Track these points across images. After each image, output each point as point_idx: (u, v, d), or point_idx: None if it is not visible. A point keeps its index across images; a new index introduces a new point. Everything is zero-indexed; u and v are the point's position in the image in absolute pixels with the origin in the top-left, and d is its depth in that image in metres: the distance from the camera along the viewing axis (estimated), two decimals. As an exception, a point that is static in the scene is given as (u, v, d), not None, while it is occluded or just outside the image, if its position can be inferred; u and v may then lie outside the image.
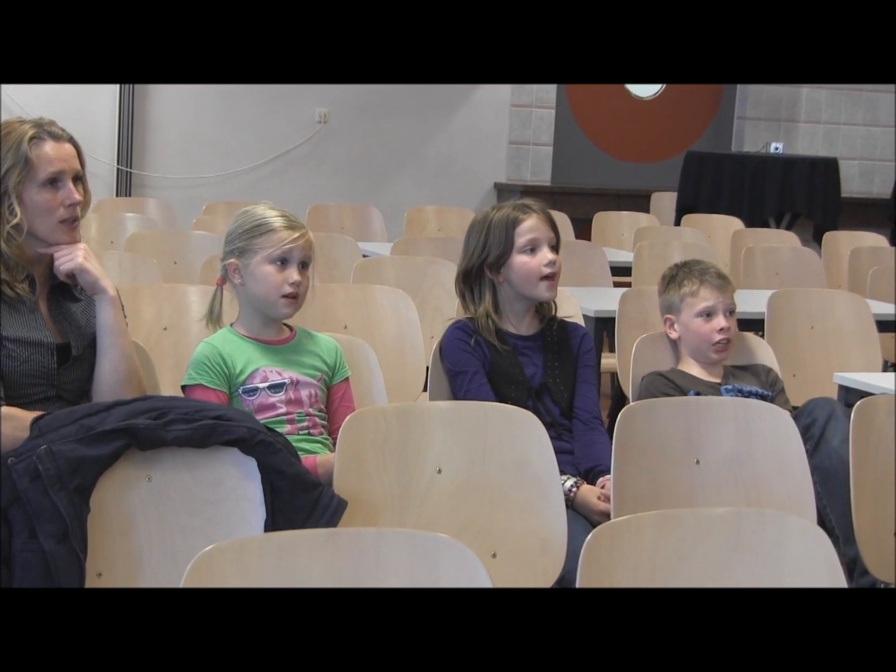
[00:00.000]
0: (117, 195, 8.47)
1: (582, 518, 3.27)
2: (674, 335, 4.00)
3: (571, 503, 3.30)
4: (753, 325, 4.74)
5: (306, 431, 3.17)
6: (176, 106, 8.70)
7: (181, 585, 2.05)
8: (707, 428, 3.22)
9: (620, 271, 6.17)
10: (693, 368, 3.93)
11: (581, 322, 4.01)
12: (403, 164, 9.27)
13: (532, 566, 2.95)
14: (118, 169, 8.59)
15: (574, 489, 3.34)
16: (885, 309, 5.27)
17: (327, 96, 8.96)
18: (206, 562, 2.09)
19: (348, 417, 2.93)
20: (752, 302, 4.85)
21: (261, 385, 3.16)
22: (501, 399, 3.44)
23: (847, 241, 7.14)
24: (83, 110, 8.29)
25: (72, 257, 2.98)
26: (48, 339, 2.96)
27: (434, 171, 9.34)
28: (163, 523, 2.64)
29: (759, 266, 6.26)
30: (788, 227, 8.42)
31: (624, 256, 6.55)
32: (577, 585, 2.22)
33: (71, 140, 3.01)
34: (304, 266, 3.20)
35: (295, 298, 3.19)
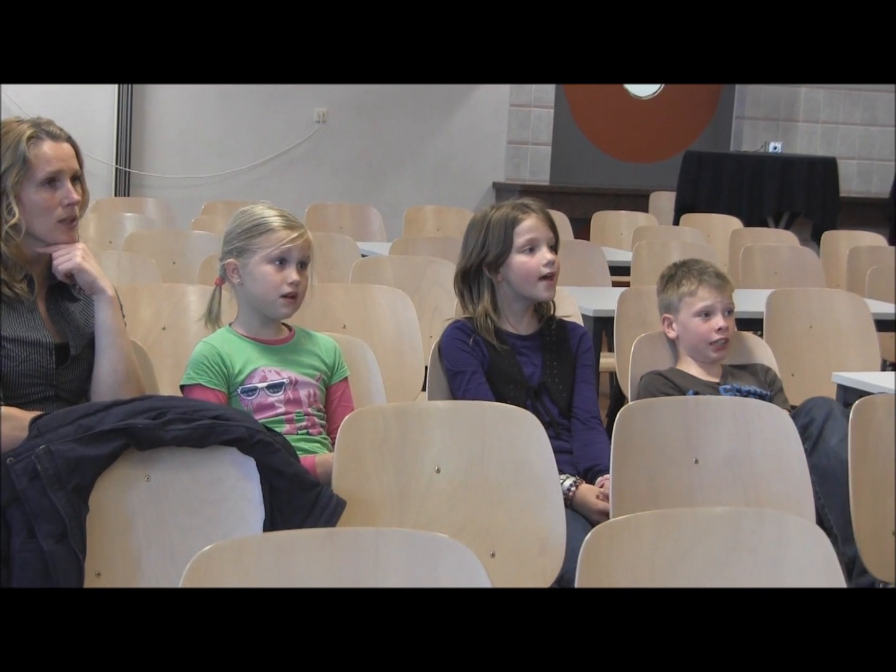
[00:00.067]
0: (116, 195, 8.48)
1: (581, 517, 3.27)
2: (672, 335, 4.00)
3: (570, 503, 3.30)
4: (752, 324, 4.74)
5: (305, 431, 3.17)
6: (174, 106, 8.70)
7: (180, 585, 2.05)
8: (706, 427, 3.22)
9: (619, 271, 6.17)
10: (692, 368, 3.93)
11: (580, 322, 4.01)
12: (402, 164, 9.27)
13: (531, 565, 2.95)
14: (117, 169, 8.59)
15: (573, 488, 3.34)
16: (883, 308, 5.27)
17: (326, 96, 8.97)
18: (204, 561, 2.09)
19: (347, 417, 2.93)
20: (750, 301, 4.85)
21: (259, 385, 3.16)
22: (500, 399, 3.45)
23: (846, 241, 7.14)
24: (82, 110, 8.29)
25: (70, 257, 2.98)
26: (47, 338, 2.96)
27: (433, 170, 9.34)
28: (161, 523, 2.64)
29: (758, 265, 6.26)
30: (787, 227, 8.42)
31: (623, 256, 6.55)
32: (576, 585, 2.22)
33: (69, 139, 3.01)
34: (302, 266, 3.20)
35: (294, 298, 3.19)
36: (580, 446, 3.50)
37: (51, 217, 2.97)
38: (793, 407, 3.88)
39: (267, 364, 3.19)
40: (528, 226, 3.58)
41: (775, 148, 9.25)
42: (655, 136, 10.10)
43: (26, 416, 2.72)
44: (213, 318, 3.27)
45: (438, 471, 2.94)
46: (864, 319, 4.83)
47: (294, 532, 2.24)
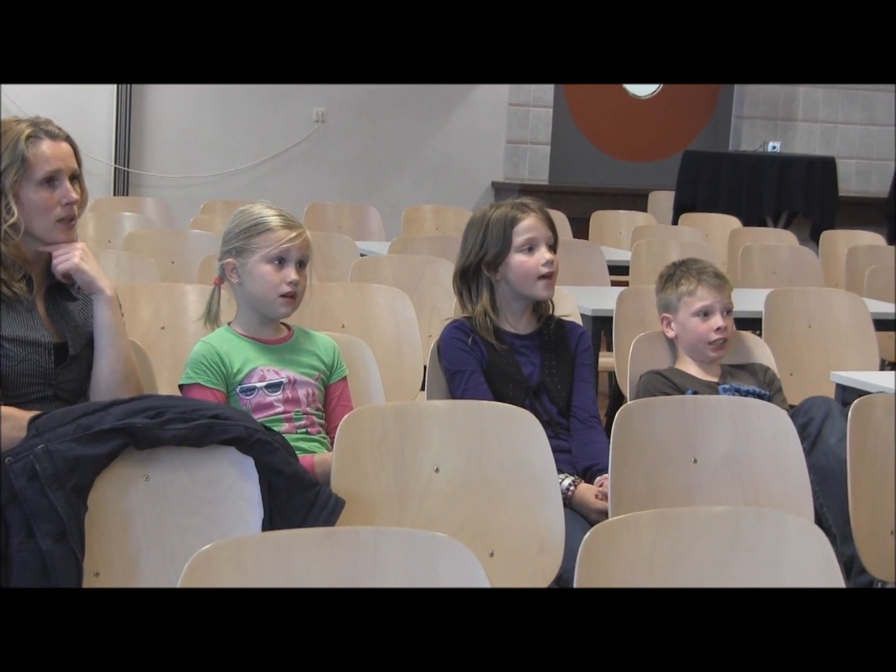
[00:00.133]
0: (115, 194, 8.47)
1: (580, 517, 3.27)
2: (671, 334, 4.00)
3: (569, 502, 3.30)
4: (751, 323, 4.74)
5: (304, 430, 3.17)
6: (173, 105, 8.70)
7: (179, 584, 2.05)
8: (704, 427, 3.22)
9: (618, 270, 6.17)
10: (690, 367, 3.93)
11: (578, 321, 4.01)
12: (401, 164, 9.27)
13: (530, 565, 2.95)
14: (115, 168, 8.59)
15: (572, 488, 3.34)
16: (882, 308, 5.27)
17: (325, 96, 8.96)
18: (203, 561, 2.09)
19: (346, 416, 2.93)
20: (749, 301, 4.85)
21: (258, 384, 3.16)
22: (499, 398, 3.45)
23: (844, 240, 7.14)
24: (81, 109, 8.28)
25: (68, 257, 2.98)
26: (45, 338, 2.96)
27: (432, 170, 9.34)
28: (160, 522, 2.64)
29: (757, 265, 6.27)
30: (786, 226, 8.42)
31: (621, 255, 6.55)
32: (575, 584, 2.22)
33: (67, 139, 3.01)
34: (301, 265, 3.20)
35: (293, 298, 3.19)
36: (579, 446, 3.50)
37: (49, 216, 2.97)
38: (791, 406, 3.88)
39: (266, 363, 3.19)
40: (527, 225, 3.58)
41: (774, 147, 9.25)
42: (654, 136, 10.10)
43: (25, 415, 2.72)
44: (212, 317, 3.27)
45: (437, 470, 2.94)
46: (863, 319, 4.83)
47: (293, 531, 2.24)
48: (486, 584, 2.14)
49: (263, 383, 3.16)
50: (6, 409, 2.77)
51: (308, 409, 3.19)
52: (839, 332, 4.82)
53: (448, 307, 4.34)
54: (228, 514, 2.67)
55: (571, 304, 4.28)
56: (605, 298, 4.89)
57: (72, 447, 2.58)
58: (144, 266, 4.79)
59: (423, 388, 3.84)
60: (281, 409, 3.16)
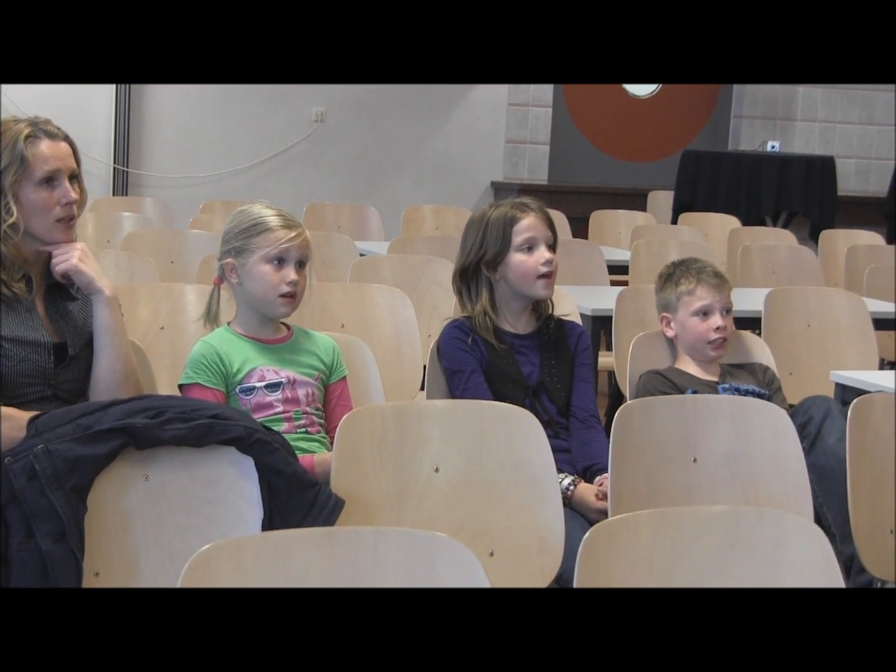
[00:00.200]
0: (114, 194, 8.48)
1: (579, 516, 3.27)
2: (670, 334, 4.00)
3: (569, 501, 3.30)
4: (750, 323, 4.74)
5: (304, 430, 3.16)
6: (172, 105, 8.70)
7: (178, 584, 2.05)
8: (704, 426, 3.22)
9: (617, 270, 6.17)
10: (690, 367, 3.93)
11: (578, 321, 4.01)
12: (400, 164, 9.27)
13: (529, 564, 2.95)
14: (115, 168, 8.59)
15: (571, 487, 3.34)
16: (881, 307, 5.27)
17: (324, 95, 8.96)
18: (203, 561, 2.09)
19: (345, 416, 2.93)
20: (748, 300, 4.85)
21: (258, 384, 3.16)
22: (498, 398, 3.44)
23: (843, 240, 7.14)
24: (80, 109, 8.28)
25: (67, 258, 2.98)
26: (45, 338, 2.96)
27: (431, 170, 9.34)
28: (160, 522, 2.64)
29: (756, 264, 6.26)
30: (785, 226, 8.42)
31: (621, 255, 6.55)
32: (575, 583, 2.22)
33: (66, 138, 3.01)
34: (301, 265, 3.20)
35: (292, 298, 3.19)
36: (578, 445, 3.50)
37: (49, 216, 2.96)
38: (791, 406, 3.88)
39: (265, 363, 3.18)
40: (527, 224, 3.58)
41: (773, 147, 9.25)
42: (653, 135, 10.10)
43: (24, 415, 2.72)
44: (211, 317, 3.27)
45: (437, 470, 2.94)
46: (862, 318, 4.83)
47: (292, 531, 2.24)
48: (485, 584, 2.14)
49: (263, 383, 3.16)
50: (6, 410, 2.77)
51: (307, 409, 3.19)
52: (838, 332, 4.82)
53: (447, 307, 4.34)
54: (228, 514, 2.67)
55: (571, 303, 4.28)
56: (604, 298, 4.89)
57: (71, 447, 2.58)
58: (143, 266, 4.79)
59: (422, 388, 3.84)
60: (280, 408, 3.16)
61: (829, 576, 2.33)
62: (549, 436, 3.04)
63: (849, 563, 3.47)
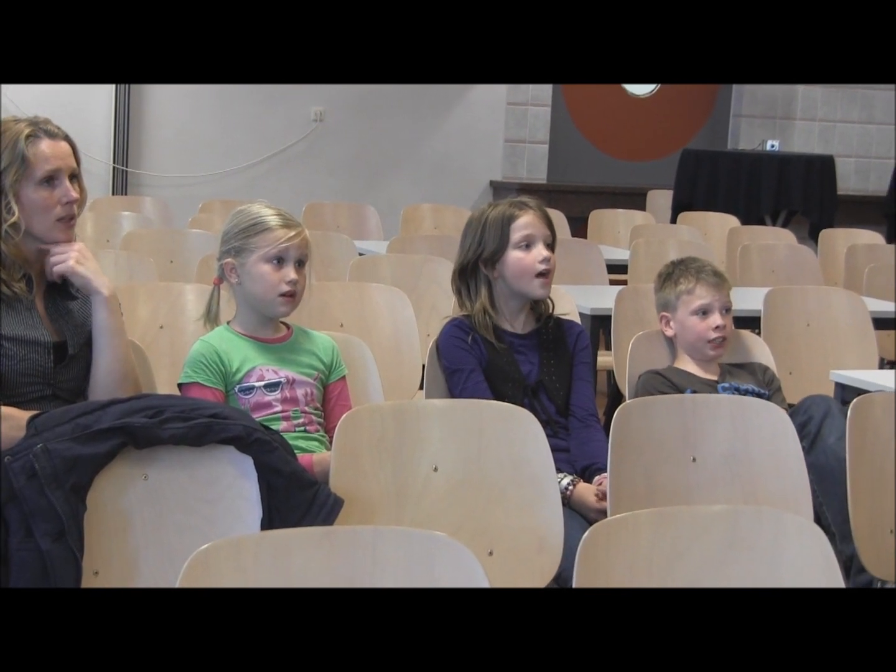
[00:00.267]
0: (113, 194, 8.48)
1: (578, 516, 3.27)
2: (670, 333, 4.00)
3: (568, 501, 3.30)
4: (750, 322, 4.74)
5: (302, 428, 3.16)
6: (172, 104, 8.70)
7: (177, 584, 2.05)
8: (703, 426, 3.22)
9: (616, 269, 6.17)
10: (689, 366, 3.93)
11: (577, 320, 4.01)
12: (399, 163, 9.27)
13: (529, 564, 2.95)
14: (114, 167, 8.59)
15: (571, 487, 3.34)
16: (881, 306, 5.27)
17: (323, 95, 8.96)
18: (202, 560, 2.09)
19: (344, 416, 2.93)
20: (748, 300, 4.85)
21: (257, 384, 3.16)
22: (498, 397, 3.45)
23: (843, 239, 7.14)
24: (79, 109, 8.28)
25: (64, 259, 2.98)
26: (45, 337, 2.96)
27: (430, 169, 9.34)
28: (159, 522, 2.64)
29: (756, 264, 6.26)
30: (784, 225, 8.42)
31: (620, 254, 6.55)
32: (574, 583, 2.22)
33: (66, 138, 3.01)
34: (300, 264, 3.20)
35: (292, 297, 3.19)
36: (577, 444, 3.50)
37: (49, 215, 2.96)
38: (791, 405, 3.88)
39: (264, 363, 3.18)
40: (525, 222, 3.59)
41: (772, 146, 9.25)
42: (653, 135, 10.10)
43: (24, 415, 2.72)
44: (211, 318, 3.27)
45: (436, 469, 2.94)
46: (862, 317, 4.83)
47: (291, 530, 2.24)
48: (484, 584, 2.14)
49: (262, 383, 3.16)
50: (5, 409, 2.77)
51: (306, 409, 3.19)
52: (838, 331, 4.82)
53: (447, 306, 4.34)
54: (227, 514, 2.67)
55: (570, 303, 4.28)
56: (603, 297, 4.89)
57: (70, 446, 2.58)
58: (143, 265, 4.79)
59: (421, 388, 3.84)
60: (279, 408, 3.16)
61: (829, 575, 2.33)
62: (547, 435, 3.04)
63: (848, 562, 3.47)
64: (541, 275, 3.57)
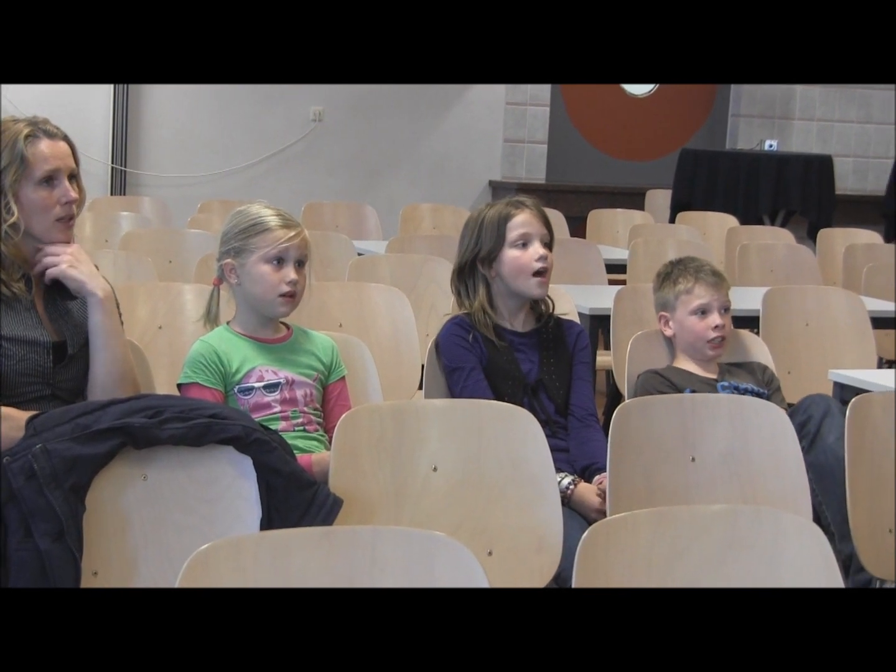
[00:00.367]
0: (112, 194, 8.47)
1: (578, 516, 3.27)
2: (669, 332, 4.00)
3: (568, 501, 3.30)
4: (748, 322, 4.74)
5: (301, 428, 3.16)
6: (170, 104, 8.70)
7: (177, 584, 2.05)
8: (703, 425, 3.22)
9: (615, 269, 6.17)
10: (688, 366, 3.93)
11: (576, 320, 4.01)
12: (398, 163, 9.27)
13: (528, 564, 2.95)
14: (113, 167, 8.59)
15: (571, 487, 3.34)
16: (880, 306, 5.27)
17: (322, 95, 8.96)
18: (201, 560, 2.09)
19: (344, 416, 2.93)
20: (747, 299, 4.85)
21: (256, 384, 3.16)
22: (497, 395, 3.45)
23: (842, 239, 7.14)
24: (78, 109, 8.28)
25: (57, 262, 2.97)
26: (44, 337, 2.96)
27: (429, 169, 9.34)
28: (158, 522, 2.64)
29: (754, 263, 6.27)
30: (783, 225, 8.42)
31: (619, 254, 6.55)
32: (573, 583, 2.22)
33: (65, 138, 3.01)
34: (300, 265, 3.20)
35: (292, 297, 3.19)
36: (577, 444, 3.50)
37: (49, 215, 2.97)
38: (790, 405, 3.88)
39: (264, 363, 3.18)
40: (521, 220, 3.59)
41: (771, 146, 9.25)
42: (651, 134, 10.10)
43: (23, 415, 2.72)
44: (211, 318, 3.27)
45: (435, 469, 2.94)
46: (861, 317, 4.83)
47: (291, 531, 2.24)
48: (484, 583, 2.14)
49: (261, 383, 3.16)
50: (4, 409, 2.77)
51: (305, 409, 3.19)
52: (837, 331, 4.82)
53: (446, 306, 4.34)
54: (226, 514, 2.67)
55: (569, 302, 4.28)
56: (602, 297, 4.88)
57: (70, 447, 2.58)
58: (142, 265, 4.78)
59: (420, 387, 3.84)
60: (278, 409, 3.16)
61: (828, 575, 2.33)
62: (547, 435, 3.04)
63: (847, 562, 3.47)
64: (538, 273, 3.57)
